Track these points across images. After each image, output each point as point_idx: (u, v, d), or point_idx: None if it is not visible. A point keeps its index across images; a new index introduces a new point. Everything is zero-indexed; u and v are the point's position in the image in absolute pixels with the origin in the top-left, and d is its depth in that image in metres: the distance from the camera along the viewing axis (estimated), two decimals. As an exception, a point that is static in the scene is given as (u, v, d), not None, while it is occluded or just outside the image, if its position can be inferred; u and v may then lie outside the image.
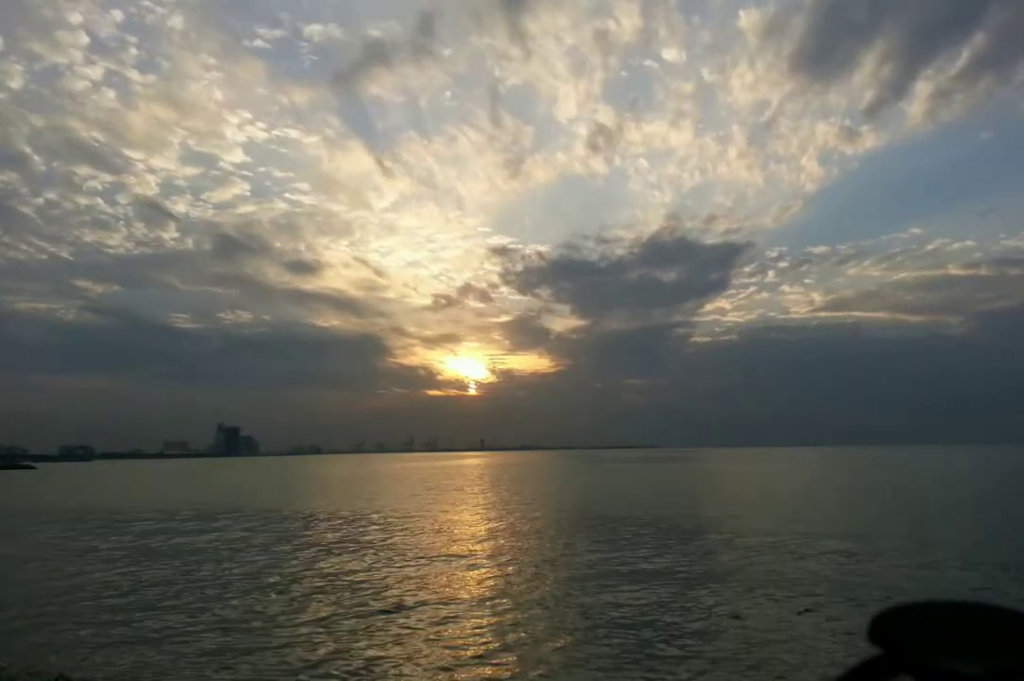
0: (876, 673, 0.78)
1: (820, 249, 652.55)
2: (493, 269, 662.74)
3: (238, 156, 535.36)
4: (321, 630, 11.03)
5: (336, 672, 9.02)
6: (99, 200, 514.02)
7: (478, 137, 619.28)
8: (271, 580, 15.32)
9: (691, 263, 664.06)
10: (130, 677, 9.10)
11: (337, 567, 16.63)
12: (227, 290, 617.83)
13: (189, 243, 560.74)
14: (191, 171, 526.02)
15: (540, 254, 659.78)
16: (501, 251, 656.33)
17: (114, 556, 19.47)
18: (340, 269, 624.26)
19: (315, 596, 13.56)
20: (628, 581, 14.17)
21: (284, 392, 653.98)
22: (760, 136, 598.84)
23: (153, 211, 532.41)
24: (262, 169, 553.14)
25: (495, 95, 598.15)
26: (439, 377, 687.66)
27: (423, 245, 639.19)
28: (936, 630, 0.78)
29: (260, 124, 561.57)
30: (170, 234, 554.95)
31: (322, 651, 9.92)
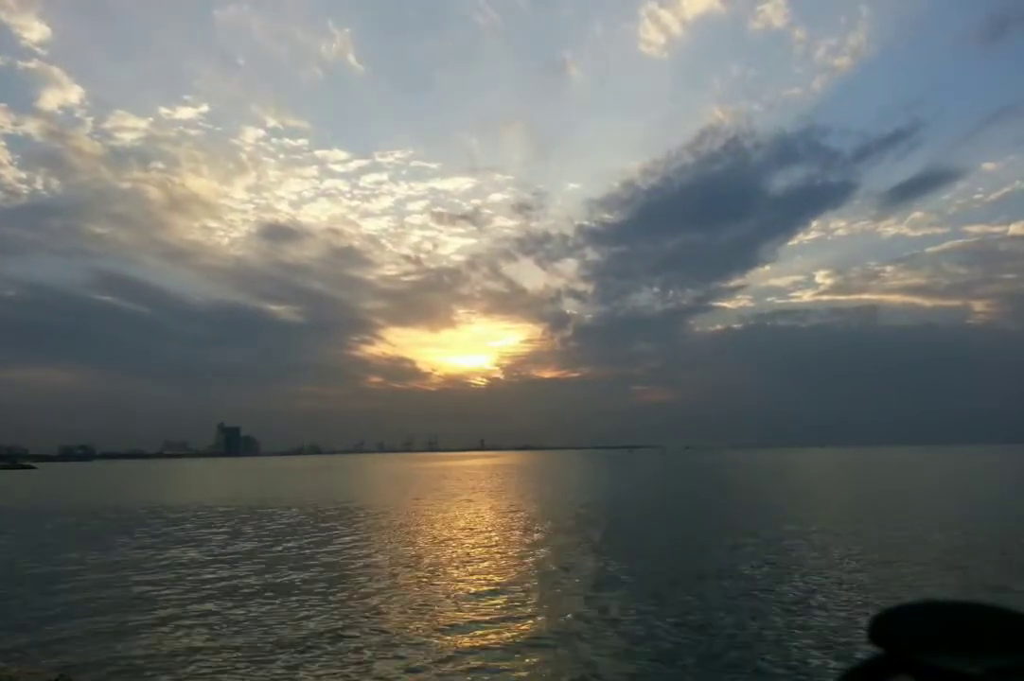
0: (876, 673, 0.79)
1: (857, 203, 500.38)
2: (511, 233, 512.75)
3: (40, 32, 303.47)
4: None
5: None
6: None
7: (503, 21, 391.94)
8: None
9: (750, 220, 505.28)
10: (132, 677, 8.87)
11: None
12: (132, 257, 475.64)
13: (57, 189, 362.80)
14: None
15: (566, 212, 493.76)
16: (520, 208, 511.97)
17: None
18: (320, 234, 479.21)
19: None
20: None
21: (273, 388, 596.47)
22: (892, 26, 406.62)
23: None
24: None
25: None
26: (437, 373, 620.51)
27: (419, 204, 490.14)
28: (936, 630, 0.79)
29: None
30: (11, 173, 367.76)
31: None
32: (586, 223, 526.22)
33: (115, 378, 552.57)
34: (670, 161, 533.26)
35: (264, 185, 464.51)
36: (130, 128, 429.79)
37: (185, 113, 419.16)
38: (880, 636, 0.81)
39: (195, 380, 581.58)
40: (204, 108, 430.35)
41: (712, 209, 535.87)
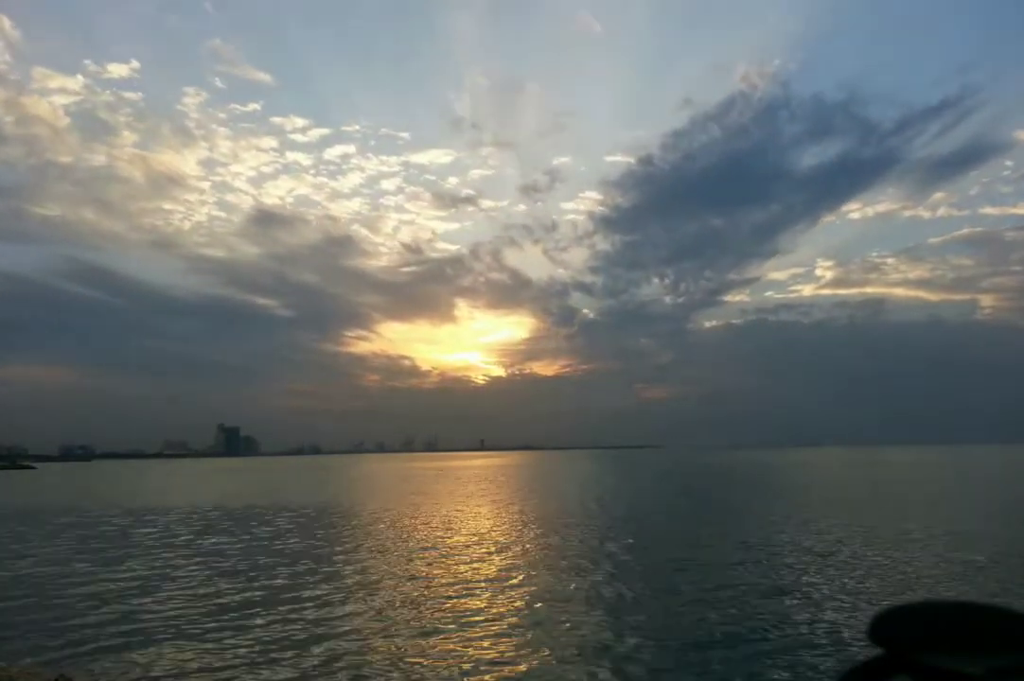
0: (876, 673, 0.79)
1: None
2: (517, 220, 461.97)
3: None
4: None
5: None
6: None
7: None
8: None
9: (773, 204, 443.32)
10: (131, 677, 8.84)
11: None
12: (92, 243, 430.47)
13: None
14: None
15: (576, 195, 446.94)
16: (527, 190, 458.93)
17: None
18: (313, 220, 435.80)
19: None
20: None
21: (271, 386, 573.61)
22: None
23: None
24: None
25: None
26: (436, 370, 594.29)
27: (412, 186, 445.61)
28: (936, 630, 0.79)
29: None
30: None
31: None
32: (598, 209, 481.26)
33: (112, 377, 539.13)
34: (694, 134, 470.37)
35: (218, 159, 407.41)
36: (57, 89, 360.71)
37: (119, 70, 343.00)
38: (880, 636, 0.81)
39: (195, 379, 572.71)
40: (136, 64, 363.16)
41: (735, 191, 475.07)
